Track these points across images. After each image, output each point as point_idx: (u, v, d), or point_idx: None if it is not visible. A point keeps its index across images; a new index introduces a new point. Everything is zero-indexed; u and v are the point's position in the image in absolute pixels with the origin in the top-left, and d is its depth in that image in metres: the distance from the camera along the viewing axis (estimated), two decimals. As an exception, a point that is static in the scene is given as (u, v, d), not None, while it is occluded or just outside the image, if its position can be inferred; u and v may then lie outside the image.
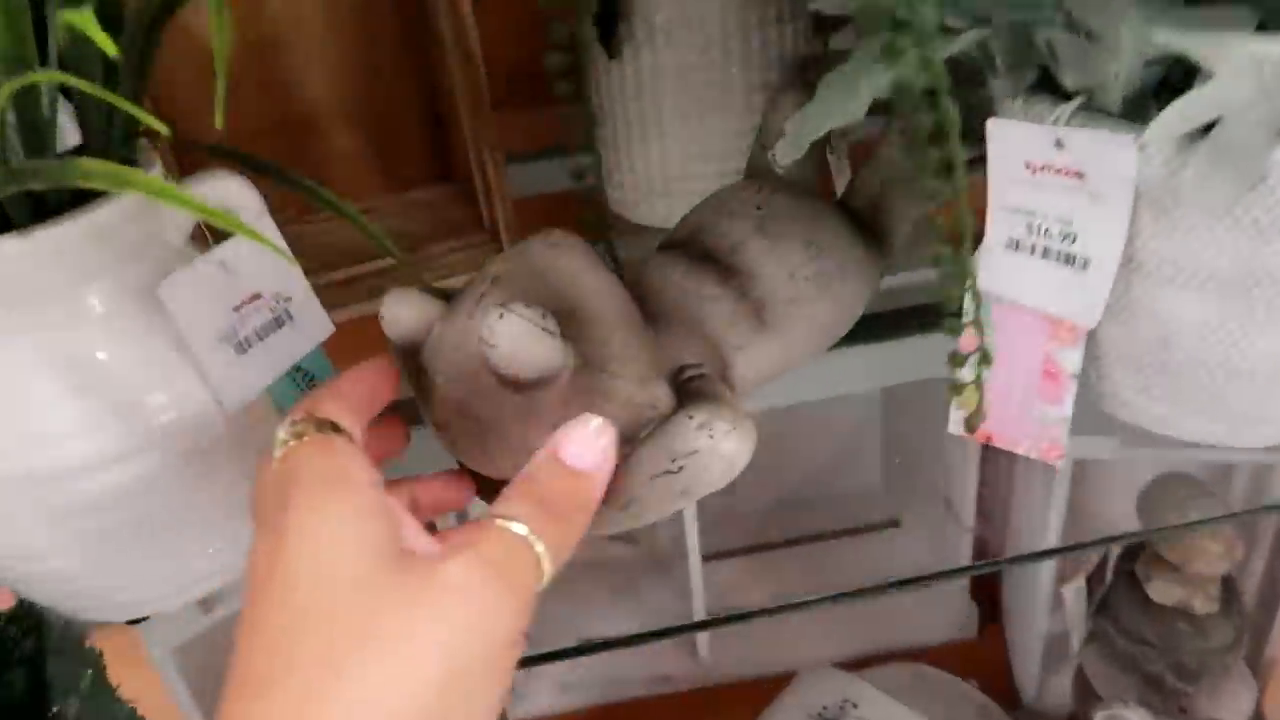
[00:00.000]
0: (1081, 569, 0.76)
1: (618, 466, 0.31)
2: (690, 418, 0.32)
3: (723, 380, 0.37)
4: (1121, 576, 0.71)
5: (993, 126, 0.37)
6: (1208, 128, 0.31)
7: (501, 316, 0.29)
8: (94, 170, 0.28)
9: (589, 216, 0.47)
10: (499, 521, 0.27)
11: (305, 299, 0.40)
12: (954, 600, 1.01)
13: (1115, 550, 0.73)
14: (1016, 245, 0.38)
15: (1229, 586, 0.68)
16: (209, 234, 0.38)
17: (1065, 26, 0.34)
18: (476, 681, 0.25)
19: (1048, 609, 0.85)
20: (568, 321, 0.31)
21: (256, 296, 0.38)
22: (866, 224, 0.45)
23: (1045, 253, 0.37)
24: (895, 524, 1.11)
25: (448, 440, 0.34)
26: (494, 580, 0.26)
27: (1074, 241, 0.36)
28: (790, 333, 0.40)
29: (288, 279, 0.39)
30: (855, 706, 0.75)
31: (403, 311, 0.34)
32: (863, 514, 1.12)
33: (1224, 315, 0.35)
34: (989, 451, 0.96)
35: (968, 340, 0.40)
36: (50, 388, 0.34)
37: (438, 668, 0.24)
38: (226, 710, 0.25)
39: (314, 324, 0.40)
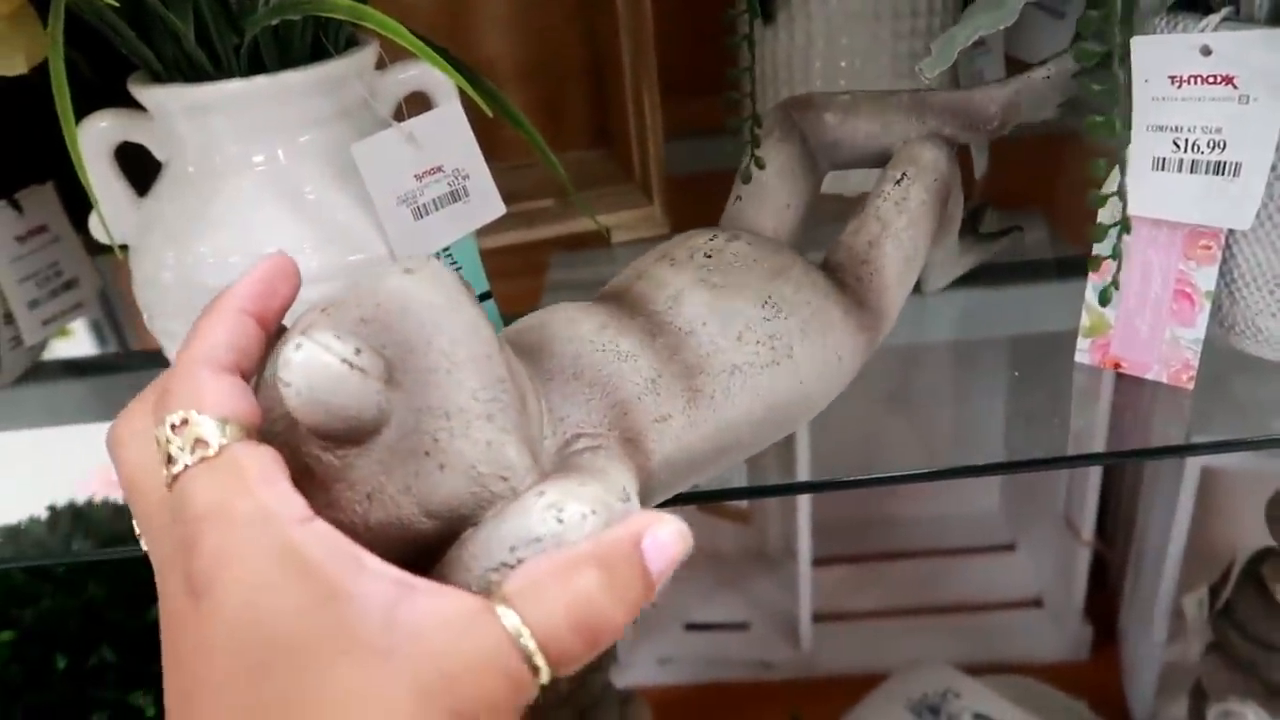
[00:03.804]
0: (1204, 579, 0.74)
1: (446, 556, 0.26)
2: (540, 494, 0.25)
3: (632, 458, 0.30)
4: (1247, 580, 0.69)
5: (1137, 44, 0.38)
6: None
7: (299, 348, 0.24)
8: (337, 3, 0.33)
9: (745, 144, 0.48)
10: (507, 623, 0.22)
11: (481, 178, 0.43)
12: (1068, 620, 0.99)
13: (1241, 556, 0.71)
14: (1163, 164, 0.39)
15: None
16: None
17: (1216, -61, 0.36)
18: None
19: (1165, 626, 0.83)
20: (405, 363, 0.25)
21: (438, 169, 0.42)
22: (850, 286, 0.40)
23: (1194, 166, 0.38)
24: (1010, 547, 1.10)
25: None
26: (447, 701, 0.21)
27: (1223, 149, 0.37)
28: (731, 408, 0.33)
29: (469, 157, 0.43)
30: (958, 697, 0.74)
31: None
32: (979, 535, 1.11)
33: (1366, 220, 0.36)
34: (1110, 471, 0.95)
35: (1104, 269, 0.42)
36: (263, 212, 0.39)
37: None
38: None
39: (487, 203, 0.44)
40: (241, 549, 0.22)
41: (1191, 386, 0.42)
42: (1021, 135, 0.52)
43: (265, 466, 0.23)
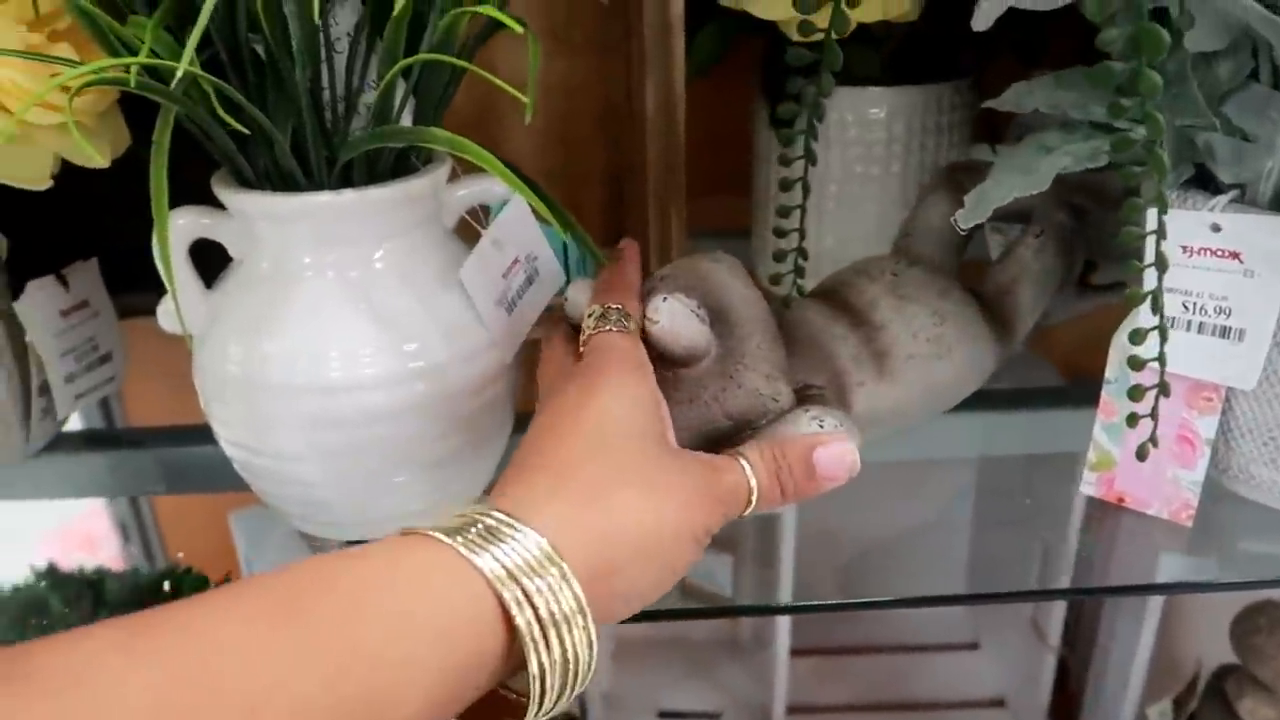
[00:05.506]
0: (1166, 690, 0.77)
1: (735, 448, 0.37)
2: (805, 410, 0.39)
3: (840, 406, 0.43)
4: (1212, 696, 0.72)
5: (1154, 215, 0.42)
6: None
7: (665, 299, 0.37)
8: (439, 135, 0.36)
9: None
10: (743, 463, 0.36)
11: (547, 256, 0.46)
12: (1031, 724, 1.01)
13: (1206, 669, 0.74)
14: (1173, 323, 0.43)
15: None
16: (482, 218, 0.45)
17: (1224, 130, 0.40)
18: (676, 543, 0.33)
19: (1131, 736, 0.85)
20: (716, 319, 0.39)
21: (516, 262, 0.45)
22: (993, 311, 0.50)
23: (1200, 327, 0.42)
24: (974, 645, 1.12)
25: None
26: (714, 500, 0.35)
27: (1229, 315, 0.41)
28: (905, 384, 0.45)
29: (535, 241, 0.45)
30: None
31: (583, 297, 0.40)
32: (944, 632, 1.13)
33: (1356, 388, 0.39)
34: (1079, 574, 0.98)
35: (1110, 408, 0.45)
36: (332, 317, 0.41)
37: (665, 522, 0.33)
38: (521, 492, 0.32)
39: (553, 277, 0.47)
40: (634, 377, 0.35)
41: (1190, 524, 0.45)
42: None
43: (640, 343, 0.37)
